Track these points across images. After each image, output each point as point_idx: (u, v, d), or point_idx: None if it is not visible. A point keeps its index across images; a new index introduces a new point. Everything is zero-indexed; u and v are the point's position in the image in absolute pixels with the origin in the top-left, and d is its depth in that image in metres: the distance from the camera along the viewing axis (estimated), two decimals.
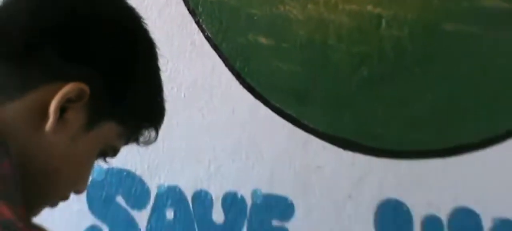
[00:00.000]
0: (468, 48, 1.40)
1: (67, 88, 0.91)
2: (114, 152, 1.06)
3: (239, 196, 1.56)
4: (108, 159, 1.08)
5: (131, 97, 1.01)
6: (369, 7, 1.43)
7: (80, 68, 0.93)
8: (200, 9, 1.49)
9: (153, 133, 1.08)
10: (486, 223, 1.41)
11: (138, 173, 1.64)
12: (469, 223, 1.42)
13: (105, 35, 0.95)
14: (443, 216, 1.44)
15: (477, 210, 1.42)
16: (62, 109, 0.91)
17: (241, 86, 1.52)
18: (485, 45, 1.38)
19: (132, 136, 1.05)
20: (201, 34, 1.51)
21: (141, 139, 1.07)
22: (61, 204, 1.03)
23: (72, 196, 1.03)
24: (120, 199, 1.66)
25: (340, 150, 1.48)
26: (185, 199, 1.60)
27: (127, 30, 0.99)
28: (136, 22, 1.01)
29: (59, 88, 0.90)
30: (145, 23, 1.01)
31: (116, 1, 1.02)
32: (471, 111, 1.41)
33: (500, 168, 1.42)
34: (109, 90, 0.97)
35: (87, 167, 1.04)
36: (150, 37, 1.03)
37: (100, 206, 1.66)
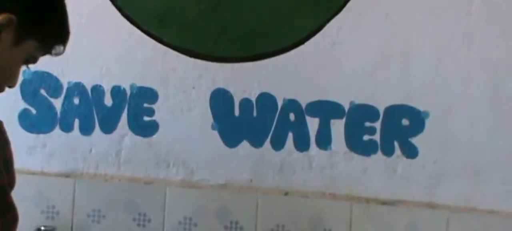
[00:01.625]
0: None
1: (1, 18, 1.21)
2: (34, 60, 1.35)
3: (122, 88, 2.11)
4: (31, 65, 1.38)
5: (46, 23, 1.29)
6: None
7: (8, 4, 1.23)
8: None
9: (61, 48, 1.36)
10: (279, 103, 2.07)
11: (54, 73, 2.11)
12: (269, 103, 2.08)
13: None
14: (253, 98, 2.08)
15: (274, 93, 2.08)
16: None
17: (122, 17, 2.09)
18: None
19: (47, 49, 1.34)
20: None
21: (53, 51, 1.36)
22: (3, 94, 1.35)
23: (10, 90, 1.37)
24: (43, 91, 2.12)
25: (187, 57, 2.09)
26: (86, 91, 2.12)
27: None
28: None
29: None
30: None
31: None
32: (267, 31, 2.06)
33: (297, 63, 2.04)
34: (29, 18, 1.25)
35: (17, 69, 1.32)
36: None
37: (30, 96, 2.11)
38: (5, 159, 1.33)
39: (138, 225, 2.08)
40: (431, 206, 2.02)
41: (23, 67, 1.36)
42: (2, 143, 1.32)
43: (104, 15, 2.09)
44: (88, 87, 2.13)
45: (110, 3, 2.09)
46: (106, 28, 2.10)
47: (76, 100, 2.14)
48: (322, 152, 2.05)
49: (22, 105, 2.14)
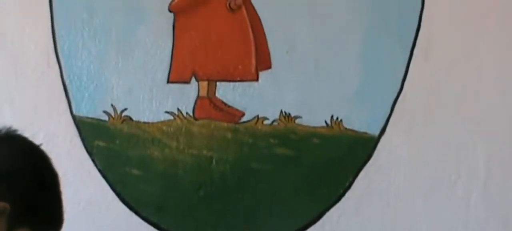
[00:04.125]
0: (265, 179, 2.09)
1: None
2: None
3: None
4: None
5: (40, 211, 1.29)
6: (204, 151, 2.09)
7: (2, 192, 1.23)
8: (95, 151, 2.10)
9: None
10: None
11: None
12: None
13: (21, 177, 1.26)
14: None
15: None
16: None
17: (121, 202, 2.09)
18: (274, 177, 2.08)
19: None
20: (95, 168, 2.10)
21: None
22: None
23: None
24: None
25: None
26: None
27: (35, 171, 1.29)
28: (44, 162, 1.32)
29: None
30: (50, 160, 1.32)
31: (28, 151, 1.32)
32: (266, 219, 2.08)
33: None
34: (23, 207, 1.25)
35: None
36: (54, 171, 1.33)
37: None
38: None
39: None
40: None
41: None
42: None
43: (102, 201, 2.10)
44: None
45: (109, 189, 2.10)
46: (104, 214, 2.10)
47: None
48: None
49: None
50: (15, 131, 1.33)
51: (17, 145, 1.32)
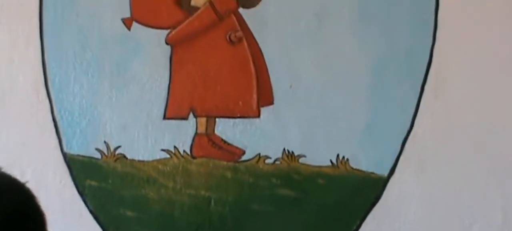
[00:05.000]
0: (267, 221, 2.00)
1: None
2: None
3: None
4: None
5: None
6: (202, 191, 2.01)
7: None
8: (86, 191, 2.02)
9: None
10: None
11: None
12: None
13: (2, 217, 1.19)
14: None
15: None
16: None
17: None
18: (276, 220, 2.00)
19: None
20: (86, 209, 2.03)
21: None
22: None
23: None
24: None
25: None
26: None
27: (21, 211, 1.22)
28: (30, 201, 1.25)
29: None
30: (38, 200, 1.25)
31: (12, 189, 1.26)
32: None
33: None
34: None
35: None
36: (42, 211, 1.25)
37: None
38: None
39: None
40: None
41: None
42: None
43: None
44: None
45: None
46: None
47: None
48: None
49: None
50: (0, 168, 1.24)
51: (0, 182, 1.23)
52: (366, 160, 1.98)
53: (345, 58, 1.98)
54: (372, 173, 1.98)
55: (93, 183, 2.04)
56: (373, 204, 1.98)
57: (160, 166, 2.02)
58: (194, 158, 2.02)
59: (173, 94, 2.02)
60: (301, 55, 1.99)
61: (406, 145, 1.97)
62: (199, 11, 2.01)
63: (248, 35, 2.01)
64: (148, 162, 2.02)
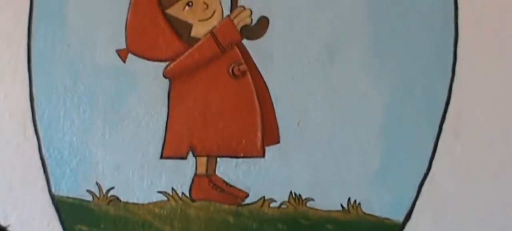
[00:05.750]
0: None
1: None
2: None
3: None
4: None
5: None
6: None
7: None
8: None
9: None
10: None
11: None
12: None
13: None
14: None
15: None
16: None
17: None
18: None
19: None
20: None
21: None
22: None
23: None
24: None
25: None
26: None
27: None
28: None
29: None
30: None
31: None
32: None
33: None
34: None
35: None
36: None
37: None
38: None
39: None
40: None
41: None
42: None
43: None
44: None
45: None
46: None
47: None
48: None
49: None
50: None
51: None
52: (380, 205, 1.91)
53: (358, 94, 1.91)
54: (386, 218, 1.90)
55: (84, 227, 1.94)
56: None
57: (156, 210, 1.93)
58: (193, 201, 1.94)
59: (171, 131, 1.93)
60: (310, 91, 1.92)
61: (423, 189, 1.90)
62: (200, 43, 1.93)
63: (253, 69, 1.92)
64: (143, 205, 1.94)
